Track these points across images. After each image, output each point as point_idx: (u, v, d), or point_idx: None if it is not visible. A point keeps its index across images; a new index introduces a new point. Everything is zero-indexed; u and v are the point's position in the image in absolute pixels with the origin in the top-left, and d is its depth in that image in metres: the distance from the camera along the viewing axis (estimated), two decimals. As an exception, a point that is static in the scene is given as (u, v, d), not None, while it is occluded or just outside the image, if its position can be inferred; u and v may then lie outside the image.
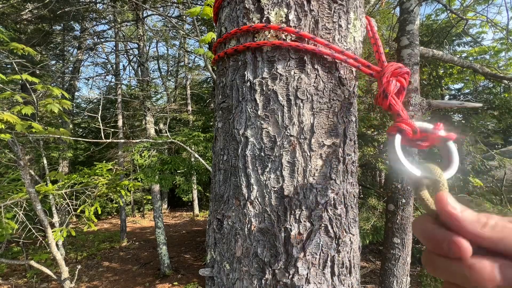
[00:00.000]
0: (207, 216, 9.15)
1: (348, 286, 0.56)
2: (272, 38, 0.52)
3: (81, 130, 12.88)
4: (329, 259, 0.53)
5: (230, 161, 0.57)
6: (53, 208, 5.34)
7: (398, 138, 0.41)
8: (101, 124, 2.95)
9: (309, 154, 0.52)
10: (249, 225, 0.53)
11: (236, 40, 0.57)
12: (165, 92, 12.92)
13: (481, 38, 8.14)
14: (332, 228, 0.53)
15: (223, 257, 0.58)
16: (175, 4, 7.61)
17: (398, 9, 3.23)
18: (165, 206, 13.95)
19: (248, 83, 0.54)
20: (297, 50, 0.52)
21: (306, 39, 0.52)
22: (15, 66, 2.83)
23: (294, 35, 0.52)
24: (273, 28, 0.51)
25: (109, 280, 6.11)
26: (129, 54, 10.23)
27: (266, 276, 0.52)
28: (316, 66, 0.52)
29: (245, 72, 0.55)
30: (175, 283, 5.87)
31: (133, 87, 11.47)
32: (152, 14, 8.10)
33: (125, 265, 7.02)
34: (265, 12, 0.52)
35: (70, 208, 3.44)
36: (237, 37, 0.56)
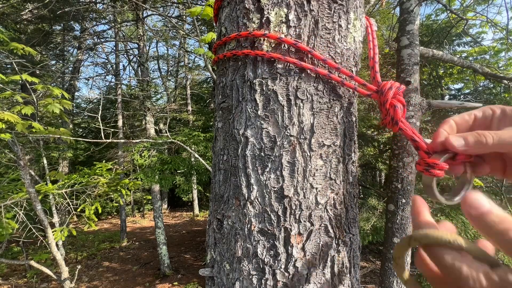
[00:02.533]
0: (207, 216, 9.15)
1: (348, 286, 0.56)
2: (272, 46, 0.52)
3: (81, 130, 12.88)
4: (329, 259, 0.53)
5: (230, 161, 0.57)
6: (53, 208, 5.34)
7: (435, 181, 0.39)
8: (101, 124, 2.95)
9: (309, 154, 0.52)
10: (249, 225, 0.53)
11: (236, 42, 0.57)
12: (165, 92, 12.92)
13: (481, 38, 8.14)
14: (332, 228, 0.53)
15: (223, 257, 0.58)
16: (175, 4, 7.61)
17: (398, 9, 3.23)
18: (165, 206, 13.95)
19: (248, 83, 0.54)
20: (298, 51, 0.52)
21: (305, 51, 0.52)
22: (15, 66, 2.83)
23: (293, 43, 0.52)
24: (271, 38, 0.51)
25: (109, 280, 6.12)
26: (129, 54, 10.23)
27: (266, 276, 0.52)
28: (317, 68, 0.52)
29: (245, 72, 0.55)
30: (175, 283, 5.87)
31: (133, 87, 11.47)
32: (152, 14, 8.10)
33: (125, 265, 7.02)
34: (265, 12, 0.52)
35: (70, 208, 3.44)
36: (237, 41, 0.56)
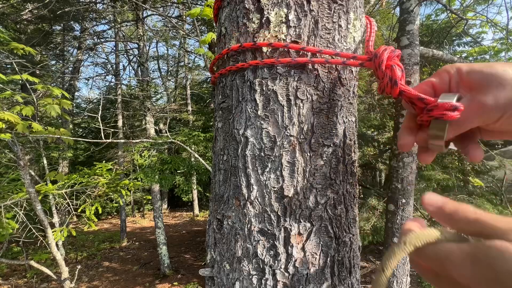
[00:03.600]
0: (207, 216, 9.15)
1: (348, 286, 0.56)
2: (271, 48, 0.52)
3: (81, 130, 12.88)
4: (329, 259, 0.53)
5: (230, 161, 0.57)
6: (53, 208, 5.34)
7: (447, 128, 0.37)
8: (101, 124, 2.95)
9: (309, 154, 0.52)
10: (249, 225, 0.54)
11: (235, 42, 0.57)
12: (165, 92, 12.93)
13: (481, 38, 8.13)
14: (332, 228, 0.53)
15: (223, 257, 0.58)
16: (175, 4, 7.62)
17: (398, 9, 3.23)
18: (165, 206, 13.96)
19: (248, 83, 0.54)
20: (297, 50, 0.52)
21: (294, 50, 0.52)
22: (15, 66, 2.83)
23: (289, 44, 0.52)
24: (262, 46, 0.52)
25: (109, 280, 6.12)
26: (129, 54, 10.24)
27: (266, 276, 0.52)
28: (316, 66, 0.52)
29: (245, 72, 0.55)
30: (175, 283, 5.87)
31: (133, 87, 11.47)
32: (152, 14, 8.11)
33: (125, 265, 7.03)
34: (265, 12, 0.52)
35: (70, 208, 3.44)
36: (236, 52, 0.56)
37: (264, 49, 0.53)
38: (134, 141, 3.63)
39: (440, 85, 0.37)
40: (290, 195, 0.51)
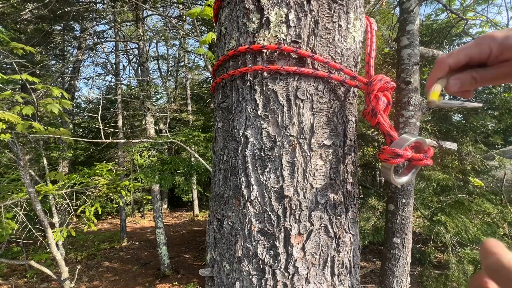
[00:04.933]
0: (207, 216, 9.15)
1: (348, 286, 0.56)
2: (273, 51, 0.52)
3: (81, 130, 12.87)
4: (329, 259, 0.53)
5: (230, 161, 0.57)
6: (53, 208, 5.34)
7: (392, 168, 0.46)
8: (101, 124, 2.95)
9: (309, 154, 0.52)
10: (249, 225, 0.53)
11: (236, 42, 0.57)
12: (165, 92, 12.93)
13: (481, 38, 8.12)
14: (332, 228, 0.53)
15: (223, 257, 0.58)
16: (175, 4, 7.62)
17: (398, 9, 3.23)
18: (165, 206, 13.96)
19: (248, 83, 0.54)
20: (304, 57, 0.52)
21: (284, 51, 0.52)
22: (15, 66, 2.83)
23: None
24: (270, 49, 0.52)
25: (109, 280, 6.11)
26: (129, 54, 10.24)
27: (266, 276, 0.52)
28: (316, 66, 0.52)
29: (245, 72, 0.55)
30: (175, 283, 5.87)
31: (133, 87, 11.46)
32: (152, 14, 8.10)
33: (125, 265, 7.02)
34: (265, 12, 0.52)
35: (70, 208, 3.44)
36: (237, 46, 0.56)
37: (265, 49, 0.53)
38: (134, 141, 3.63)
39: (479, 56, 0.37)
40: (290, 195, 0.51)
